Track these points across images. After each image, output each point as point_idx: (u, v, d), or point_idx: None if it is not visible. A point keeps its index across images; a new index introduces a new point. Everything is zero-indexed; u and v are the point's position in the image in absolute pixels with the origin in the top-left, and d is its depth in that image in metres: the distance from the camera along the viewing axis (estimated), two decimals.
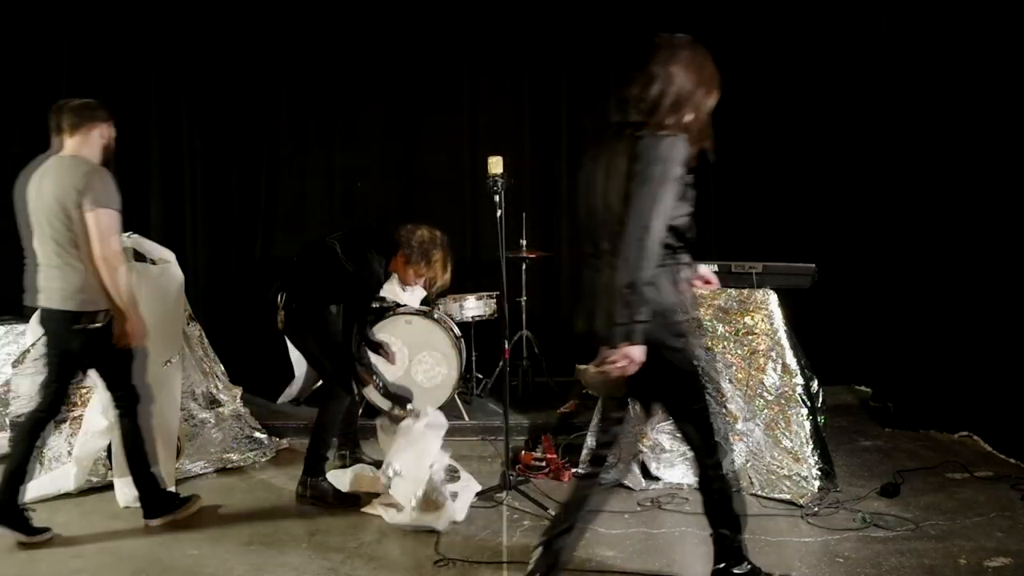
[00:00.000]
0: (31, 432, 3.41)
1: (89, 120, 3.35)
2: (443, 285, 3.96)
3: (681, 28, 2.57)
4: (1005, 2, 4.47)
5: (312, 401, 5.19)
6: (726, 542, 2.75)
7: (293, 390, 5.33)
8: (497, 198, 3.76)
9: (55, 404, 3.45)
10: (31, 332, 4.10)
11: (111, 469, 3.85)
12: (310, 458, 3.77)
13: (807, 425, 3.74)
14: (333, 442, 3.97)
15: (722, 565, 2.76)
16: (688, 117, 2.47)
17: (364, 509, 3.65)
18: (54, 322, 3.35)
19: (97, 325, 3.29)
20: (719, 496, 2.70)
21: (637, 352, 2.40)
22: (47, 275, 3.34)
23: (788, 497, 3.66)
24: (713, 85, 2.53)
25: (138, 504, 3.61)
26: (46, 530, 3.37)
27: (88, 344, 3.33)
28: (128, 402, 3.46)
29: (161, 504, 3.54)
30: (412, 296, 5.34)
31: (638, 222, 2.38)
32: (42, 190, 3.30)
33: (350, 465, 4.13)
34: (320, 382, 4.14)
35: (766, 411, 3.78)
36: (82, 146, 3.33)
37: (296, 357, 5.10)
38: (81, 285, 3.28)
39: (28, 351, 4.02)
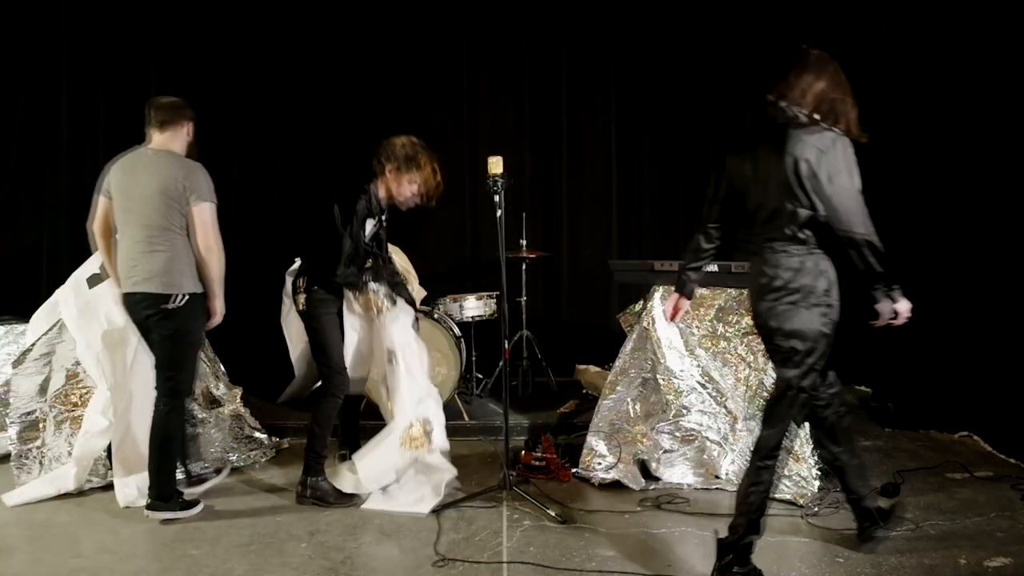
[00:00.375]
0: None
1: (179, 117, 3.57)
2: (439, 192, 3.87)
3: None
4: (1005, 2, 4.47)
5: (311, 400, 5.18)
6: (728, 540, 2.76)
7: (293, 390, 5.33)
8: (497, 198, 3.76)
9: None
10: (31, 332, 4.10)
11: (111, 469, 3.85)
12: (309, 458, 3.78)
13: (807, 425, 3.73)
14: (333, 441, 3.96)
15: (724, 562, 2.77)
16: (830, 116, 2.78)
17: (363, 507, 3.65)
18: (136, 306, 3.51)
19: (171, 306, 3.44)
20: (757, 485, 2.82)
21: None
22: (131, 260, 3.48)
23: (788, 497, 3.66)
24: (847, 90, 2.82)
25: (138, 504, 3.62)
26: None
27: (158, 322, 3.47)
28: (172, 387, 3.54)
29: (167, 500, 3.54)
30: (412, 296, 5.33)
31: (854, 202, 2.77)
32: (135, 178, 3.47)
33: None
34: (319, 382, 4.13)
35: None
36: (171, 141, 3.55)
37: (296, 356, 5.08)
38: (164, 268, 3.45)
39: (28, 351, 4.01)
